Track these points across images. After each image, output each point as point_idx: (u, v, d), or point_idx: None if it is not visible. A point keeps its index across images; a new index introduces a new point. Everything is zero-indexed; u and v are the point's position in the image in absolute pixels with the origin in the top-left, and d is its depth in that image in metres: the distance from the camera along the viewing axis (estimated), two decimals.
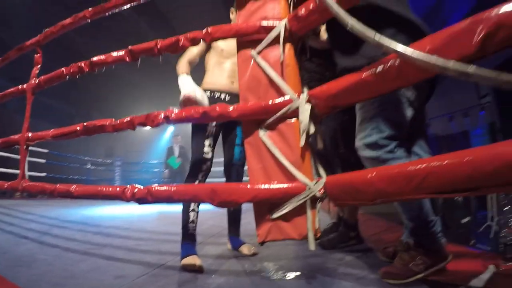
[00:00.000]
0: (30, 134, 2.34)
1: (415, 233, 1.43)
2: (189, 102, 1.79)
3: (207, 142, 1.98)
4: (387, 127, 1.37)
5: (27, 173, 7.08)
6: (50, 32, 2.52)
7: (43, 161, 7.49)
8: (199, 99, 1.83)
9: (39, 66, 2.56)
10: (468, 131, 9.91)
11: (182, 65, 1.96)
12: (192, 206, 1.92)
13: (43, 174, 7.35)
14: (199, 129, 2.00)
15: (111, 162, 10.68)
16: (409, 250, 1.44)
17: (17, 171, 2.43)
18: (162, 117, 1.48)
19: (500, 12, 0.80)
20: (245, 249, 2.08)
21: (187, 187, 1.38)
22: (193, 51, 1.98)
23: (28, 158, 7.32)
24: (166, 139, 12.81)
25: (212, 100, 2.01)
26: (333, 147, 1.95)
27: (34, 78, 2.46)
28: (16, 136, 2.43)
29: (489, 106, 9.76)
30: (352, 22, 1.01)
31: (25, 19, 8.26)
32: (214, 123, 1.98)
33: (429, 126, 12.16)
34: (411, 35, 1.32)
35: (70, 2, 8.14)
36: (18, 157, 2.44)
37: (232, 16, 2.19)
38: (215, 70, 2.08)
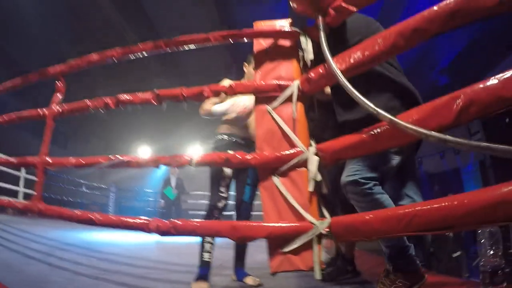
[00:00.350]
0: (50, 160, 2.37)
1: (394, 258, 1.61)
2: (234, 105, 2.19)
3: (223, 183, 2.20)
4: (368, 170, 1.58)
5: (23, 190, 7.01)
6: (76, 64, 2.58)
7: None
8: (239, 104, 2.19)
9: (61, 93, 2.61)
10: (459, 168, 10.22)
11: (208, 104, 2.24)
12: (208, 238, 2.11)
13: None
14: (217, 171, 2.22)
15: (106, 188, 10.71)
16: (389, 275, 1.62)
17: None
18: (187, 159, 1.68)
19: (472, 91, 1.04)
20: (250, 280, 2.23)
21: (210, 224, 1.57)
22: (215, 99, 2.23)
23: (24, 175, 7.25)
24: (162, 169, 12.85)
25: (230, 143, 2.26)
26: (333, 190, 2.17)
27: (55, 105, 2.52)
28: (35, 159, 2.45)
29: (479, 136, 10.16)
30: (356, 94, 1.25)
31: (38, 41, 8.45)
32: None
33: (421, 163, 12.48)
34: (404, 101, 1.57)
35: (82, 31, 8.45)
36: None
37: (246, 69, 2.48)
38: (227, 120, 2.34)
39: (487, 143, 0.97)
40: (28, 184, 7.23)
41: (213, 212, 2.18)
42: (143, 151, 12.95)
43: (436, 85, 9.96)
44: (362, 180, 1.56)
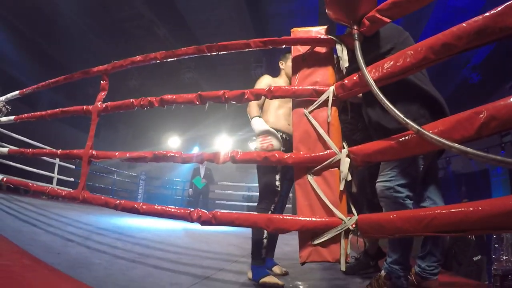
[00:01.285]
0: (94, 152, 2.54)
1: (389, 267, 1.75)
2: (265, 138, 2.16)
3: (277, 177, 2.28)
4: (402, 176, 1.71)
5: (57, 176, 7.33)
6: (119, 64, 2.76)
7: (72, 166, 7.83)
8: (274, 137, 2.19)
9: (105, 92, 2.79)
10: (488, 170, 10.02)
11: (254, 108, 2.31)
12: (265, 233, 2.19)
13: (71, 179, 7.72)
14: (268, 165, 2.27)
15: (135, 176, 11.09)
16: (379, 279, 1.76)
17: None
18: (229, 156, 1.83)
19: (493, 107, 1.13)
20: (277, 270, 2.39)
21: (248, 216, 1.71)
22: (259, 102, 2.32)
23: (59, 162, 7.58)
24: None
25: (274, 134, 2.30)
26: (361, 189, 2.29)
27: (100, 102, 2.70)
28: (80, 152, 2.63)
29: (510, 146, 9.89)
30: (386, 103, 1.36)
31: (74, 40, 8.82)
32: None
33: (450, 163, 12.23)
34: (432, 111, 1.67)
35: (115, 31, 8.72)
36: None
37: (282, 66, 2.60)
38: (277, 113, 2.41)
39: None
40: (62, 170, 7.66)
41: (269, 206, 2.24)
42: (172, 141, 13.29)
43: (468, 82, 9.77)
44: (398, 188, 1.70)
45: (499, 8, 1.15)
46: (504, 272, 1.99)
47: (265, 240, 2.19)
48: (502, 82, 9.72)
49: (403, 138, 1.38)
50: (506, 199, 1.05)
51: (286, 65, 2.55)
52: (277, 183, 2.27)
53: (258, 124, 2.24)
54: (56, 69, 8.13)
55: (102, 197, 2.45)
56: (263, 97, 1.99)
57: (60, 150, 2.94)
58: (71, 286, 1.56)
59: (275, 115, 2.42)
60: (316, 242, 1.55)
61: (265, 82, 2.40)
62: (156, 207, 2.03)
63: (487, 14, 1.17)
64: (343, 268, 1.53)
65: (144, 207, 2.06)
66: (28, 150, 3.32)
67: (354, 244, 1.66)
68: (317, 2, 6.78)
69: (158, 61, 2.55)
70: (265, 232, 2.18)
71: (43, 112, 3.20)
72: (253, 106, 2.32)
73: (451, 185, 11.98)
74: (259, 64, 9.29)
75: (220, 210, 1.86)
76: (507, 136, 8.78)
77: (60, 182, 7.61)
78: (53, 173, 7.43)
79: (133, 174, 11.19)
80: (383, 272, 1.78)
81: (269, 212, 2.20)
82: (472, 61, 9.40)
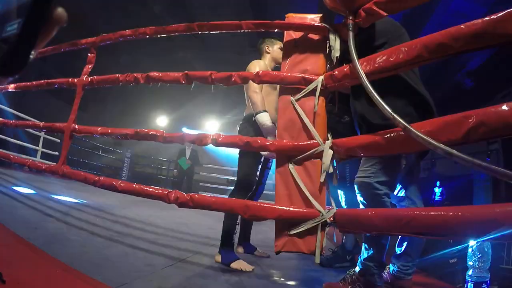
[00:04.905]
0: (76, 126, 2.48)
1: (364, 263, 1.74)
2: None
3: (259, 167, 2.31)
4: (382, 174, 1.68)
5: (41, 150, 7.19)
6: (108, 37, 2.68)
7: (58, 140, 7.59)
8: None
9: (91, 65, 2.71)
10: (472, 175, 10.17)
11: (260, 101, 2.23)
12: (238, 220, 2.19)
13: (56, 153, 7.46)
14: (252, 155, 2.26)
15: (121, 153, 10.96)
16: (353, 275, 1.76)
17: None
18: (211, 138, 1.79)
19: (484, 113, 1.11)
20: (259, 252, 2.50)
21: (226, 201, 1.69)
22: (258, 86, 2.21)
23: (44, 135, 7.46)
24: None
25: None
26: (339, 180, 2.27)
27: (86, 76, 2.63)
28: (63, 125, 2.57)
29: (495, 154, 10.04)
30: (376, 96, 1.33)
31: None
32: None
33: (434, 165, 12.40)
34: (419, 108, 1.65)
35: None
36: None
37: (268, 50, 2.55)
38: (267, 100, 2.35)
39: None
40: (47, 144, 7.52)
41: (246, 195, 2.23)
42: (160, 120, 13.17)
43: (460, 87, 9.84)
44: (377, 185, 1.67)
45: (500, 14, 1.12)
46: (478, 279, 2.01)
47: (237, 226, 2.20)
48: (494, 91, 9.79)
49: (389, 135, 1.36)
50: (486, 208, 1.05)
51: (272, 50, 2.53)
52: (257, 173, 2.29)
53: (266, 122, 2.18)
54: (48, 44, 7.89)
55: (82, 173, 2.43)
56: (260, 86, 1.92)
57: (43, 122, 2.89)
58: (45, 263, 1.54)
59: (265, 102, 2.39)
60: (292, 232, 1.53)
61: (258, 67, 2.34)
62: (134, 186, 2.01)
63: (487, 18, 1.15)
64: (317, 260, 1.52)
65: (122, 185, 2.05)
66: (11, 121, 3.25)
67: (337, 237, 1.65)
68: None
69: (148, 36, 2.50)
70: (238, 218, 2.18)
71: (28, 83, 3.12)
72: (260, 95, 2.25)
73: (434, 186, 12.18)
74: (253, 48, 9.14)
75: (204, 192, 1.84)
76: (494, 144, 8.89)
77: (43, 155, 7.48)
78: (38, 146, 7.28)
79: (119, 151, 11.03)
80: (357, 268, 1.78)
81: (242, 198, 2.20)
82: (468, 67, 9.45)
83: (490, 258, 2.06)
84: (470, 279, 2.05)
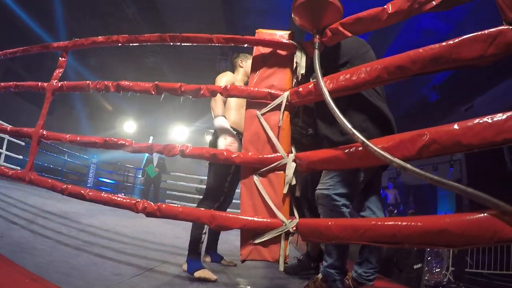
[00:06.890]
0: (45, 132, 2.43)
1: (326, 271, 1.84)
2: (233, 142, 2.19)
3: (228, 178, 2.33)
4: (340, 186, 1.78)
5: (5, 152, 6.91)
6: (80, 42, 2.63)
7: (22, 143, 7.43)
8: (236, 140, 2.21)
9: (62, 70, 2.66)
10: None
11: (219, 106, 2.29)
12: (205, 229, 2.22)
13: (20, 157, 7.28)
14: (222, 166, 2.29)
15: (87, 159, 10.67)
16: (316, 281, 1.85)
17: None
18: (178, 149, 1.83)
19: (436, 131, 1.20)
20: (224, 262, 2.55)
21: (192, 210, 1.72)
22: (223, 102, 2.30)
23: (8, 138, 7.17)
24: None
25: (237, 138, 2.32)
26: (303, 193, 2.36)
27: (56, 81, 2.57)
28: (30, 130, 2.49)
29: (458, 164, 10.50)
30: (337, 113, 1.41)
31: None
32: None
33: (400, 174, 12.81)
34: (377, 124, 1.75)
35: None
36: None
37: (241, 64, 2.63)
38: (240, 112, 2.40)
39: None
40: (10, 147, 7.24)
41: (214, 204, 2.28)
42: (128, 126, 12.95)
43: (426, 100, 10.27)
44: (335, 197, 1.76)
45: (457, 40, 1.20)
46: (436, 284, 2.13)
47: (203, 235, 2.22)
48: (458, 104, 10.29)
49: (348, 150, 1.44)
50: (437, 218, 1.13)
51: (246, 64, 2.61)
52: (226, 184, 2.33)
53: (222, 124, 2.25)
54: (18, 38, 7.71)
55: (49, 180, 2.33)
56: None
57: (11, 127, 2.81)
58: (14, 273, 1.51)
59: (238, 114, 2.45)
60: (257, 241, 1.58)
61: (225, 79, 2.41)
62: (102, 194, 1.99)
63: (443, 43, 1.23)
64: (281, 268, 1.58)
65: (90, 193, 2.02)
66: None
67: (301, 245, 1.71)
68: (291, 3, 6.85)
69: (120, 44, 2.49)
70: (205, 227, 2.21)
71: None
72: (219, 103, 2.31)
73: (401, 195, 12.63)
74: (224, 57, 9.26)
75: (172, 201, 1.86)
76: (456, 154, 9.33)
77: (7, 159, 7.19)
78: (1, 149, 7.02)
79: (85, 156, 10.73)
80: (320, 275, 1.85)
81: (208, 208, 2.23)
82: (433, 81, 9.89)
83: (451, 262, 2.17)
84: (428, 283, 2.16)
